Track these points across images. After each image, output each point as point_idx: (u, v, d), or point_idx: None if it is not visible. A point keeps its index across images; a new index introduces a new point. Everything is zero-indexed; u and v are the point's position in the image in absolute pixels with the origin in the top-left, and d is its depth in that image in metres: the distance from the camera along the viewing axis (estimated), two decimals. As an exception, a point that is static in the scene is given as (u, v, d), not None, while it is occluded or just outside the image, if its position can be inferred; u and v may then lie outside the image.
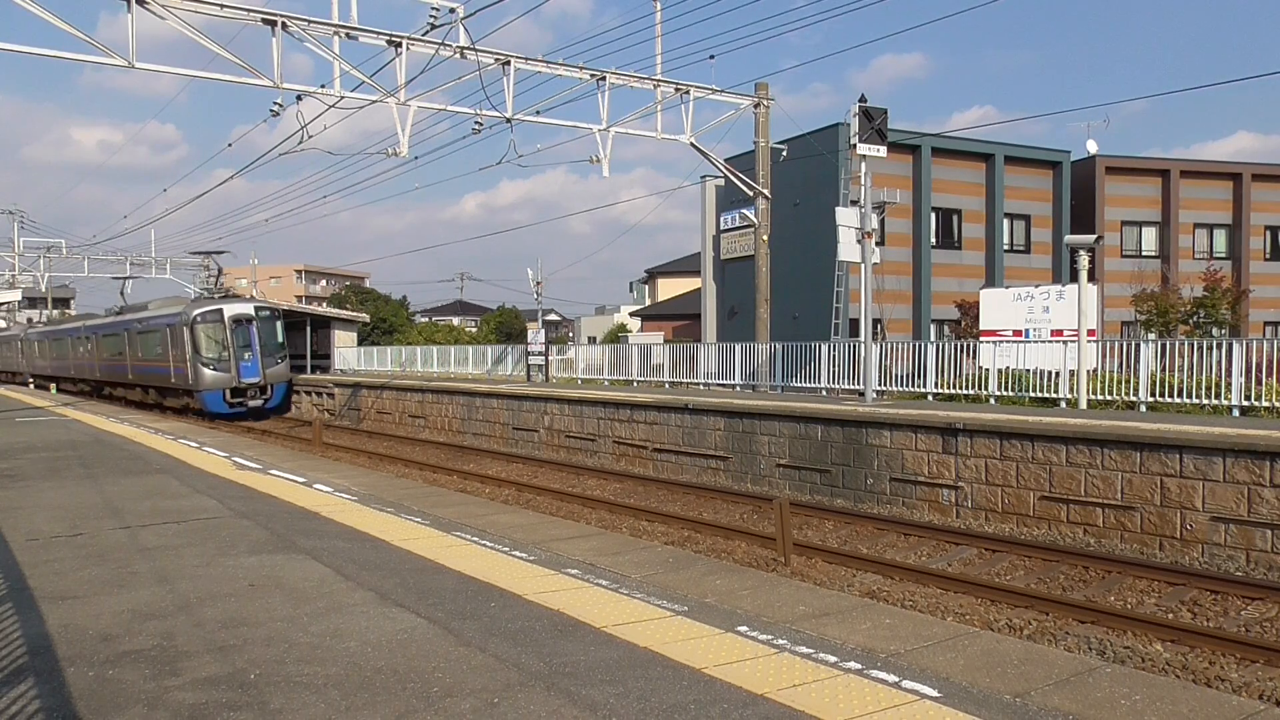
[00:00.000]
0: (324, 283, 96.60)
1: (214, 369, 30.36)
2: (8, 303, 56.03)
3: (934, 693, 4.24)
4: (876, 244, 17.04)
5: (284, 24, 16.22)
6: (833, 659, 4.72)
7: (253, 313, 31.77)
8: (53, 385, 45.64)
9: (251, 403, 30.99)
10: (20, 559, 7.01)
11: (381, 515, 8.95)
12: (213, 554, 7.14)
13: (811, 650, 4.85)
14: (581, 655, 4.74)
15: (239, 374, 30.64)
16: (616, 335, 50.26)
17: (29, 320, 64.30)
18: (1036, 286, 18.86)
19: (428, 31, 17.33)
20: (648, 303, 59.23)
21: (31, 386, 47.15)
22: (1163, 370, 14.53)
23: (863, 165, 16.92)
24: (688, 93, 20.64)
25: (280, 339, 32.53)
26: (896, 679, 4.42)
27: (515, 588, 6.10)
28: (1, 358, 59.96)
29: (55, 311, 66.07)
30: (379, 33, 17.22)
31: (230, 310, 31.39)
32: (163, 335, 32.89)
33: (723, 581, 6.59)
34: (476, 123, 19.09)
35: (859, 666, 4.61)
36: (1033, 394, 15.93)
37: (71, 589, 6.11)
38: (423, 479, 17.54)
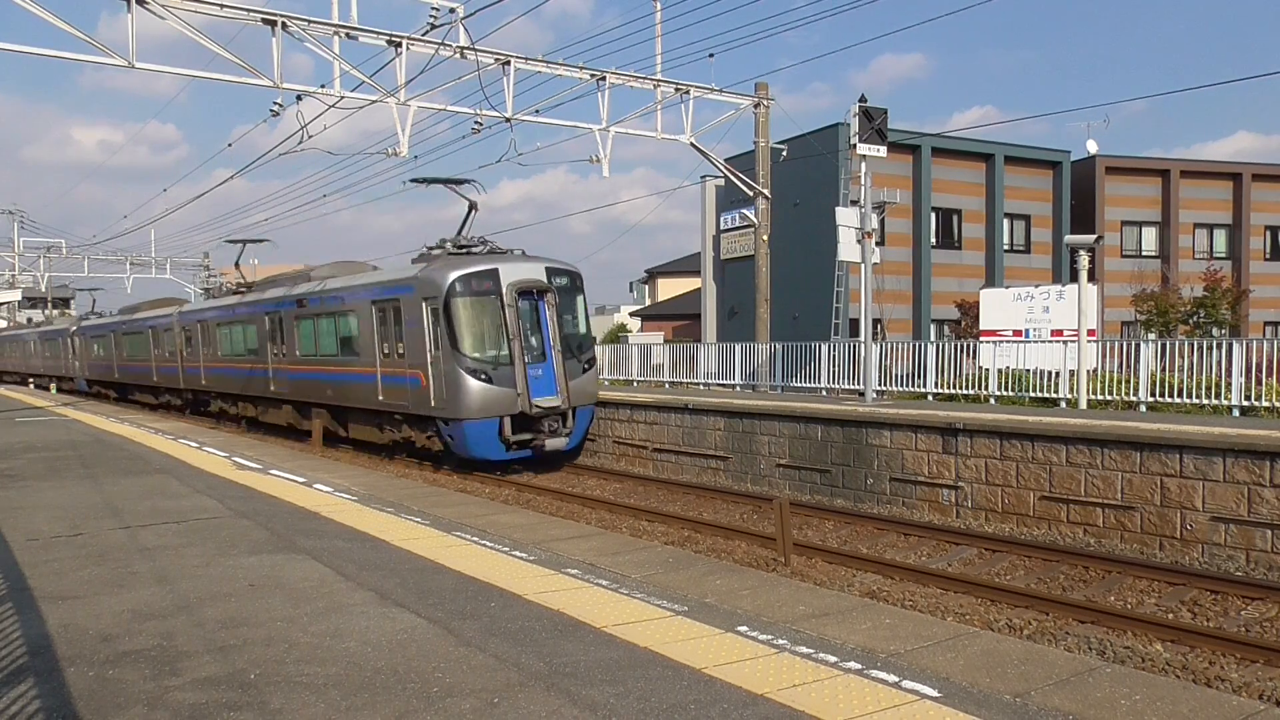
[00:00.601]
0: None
1: (486, 380, 16.49)
2: (8, 303, 55.73)
3: (934, 693, 4.24)
4: (876, 244, 17.04)
5: (284, 24, 16.23)
6: (833, 659, 4.72)
7: (545, 280, 17.49)
8: (59, 387, 44.56)
9: (549, 443, 17.13)
10: (20, 559, 7.02)
11: (381, 515, 8.95)
12: (213, 554, 7.15)
13: (811, 650, 4.85)
14: (581, 655, 4.74)
15: (529, 390, 16.80)
16: (616, 335, 50.22)
17: (90, 311, 57.35)
18: (1036, 286, 18.88)
19: (428, 31, 17.34)
20: (648, 303, 59.23)
21: (119, 398, 38.22)
22: (1163, 370, 14.54)
23: (863, 165, 16.93)
24: (688, 93, 20.65)
25: (587, 326, 18.76)
26: (896, 679, 4.42)
27: (515, 588, 6.10)
28: (43, 360, 49.35)
29: (110, 308, 60.94)
30: (379, 33, 17.22)
31: (509, 273, 17.11)
32: (365, 321, 19.05)
33: (723, 581, 6.59)
34: (476, 123, 19.09)
35: (859, 666, 4.61)
36: (1033, 394, 15.93)
37: (71, 589, 6.11)
38: (422, 479, 17.52)
